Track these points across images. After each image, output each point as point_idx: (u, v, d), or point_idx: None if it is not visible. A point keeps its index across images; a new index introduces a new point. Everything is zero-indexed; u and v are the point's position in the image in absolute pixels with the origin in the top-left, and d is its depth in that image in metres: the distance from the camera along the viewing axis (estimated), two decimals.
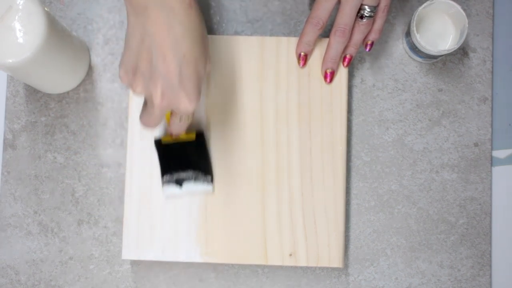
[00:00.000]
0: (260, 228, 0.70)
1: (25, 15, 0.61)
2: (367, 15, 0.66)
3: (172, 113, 0.64)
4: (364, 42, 0.70)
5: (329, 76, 0.71)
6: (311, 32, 0.69)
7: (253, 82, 0.72)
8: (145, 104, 0.60)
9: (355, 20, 0.67)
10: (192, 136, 0.69)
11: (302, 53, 0.70)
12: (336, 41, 0.68)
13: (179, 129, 0.65)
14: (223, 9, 0.77)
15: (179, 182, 0.69)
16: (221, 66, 0.72)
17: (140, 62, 0.56)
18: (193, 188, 0.69)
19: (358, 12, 0.67)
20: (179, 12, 0.54)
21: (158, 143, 0.70)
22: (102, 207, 0.75)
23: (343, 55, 0.70)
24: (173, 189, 0.69)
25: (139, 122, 0.62)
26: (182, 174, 0.69)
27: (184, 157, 0.69)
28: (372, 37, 0.69)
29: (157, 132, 0.71)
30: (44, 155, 0.75)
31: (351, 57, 0.70)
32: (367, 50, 0.70)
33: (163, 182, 0.69)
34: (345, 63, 0.70)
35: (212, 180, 0.70)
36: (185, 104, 0.57)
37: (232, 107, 0.71)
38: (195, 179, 0.69)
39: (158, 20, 0.54)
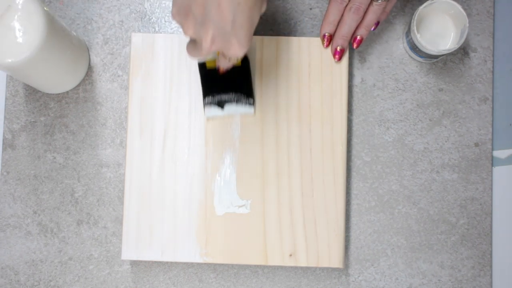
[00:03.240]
0: (260, 228, 0.70)
1: (25, 15, 0.61)
2: None
3: (221, 53, 0.62)
4: None
5: (339, 54, 0.71)
6: (336, 11, 0.69)
7: (252, 82, 0.71)
8: (195, 41, 0.58)
9: (371, 1, 0.68)
10: (238, 63, 0.69)
11: (327, 34, 0.71)
12: (350, 17, 0.69)
13: (227, 66, 0.64)
14: None
15: (221, 104, 0.69)
16: None
17: (194, 4, 0.54)
18: (235, 110, 0.70)
19: None
20: None
21: (202, 66, 0.69)
22: (102, 207, 0.74)
23: (353, 36, 0.70)
24: (215, 110, 0.70)
25: (185, 51, 0.61)
26: (224, 96, 0.69)
27: (227, 80, 0.69)
28: (381, 17, 0.70)
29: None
30: (44, 155, 0.75)
31: (362, 38, 0.70)
32: (373, 29, 0.71)
33: (205, 104, 0.70)
34: (356, 44, 0.71)
35: (254, 103, 0.70)
36: (235, 50, 0.56)
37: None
38: (237, 101, 0.69)
39: None
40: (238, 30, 0.54)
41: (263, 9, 0.57)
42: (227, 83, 0.69)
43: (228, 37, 0.55)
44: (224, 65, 0.64)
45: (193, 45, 0.59)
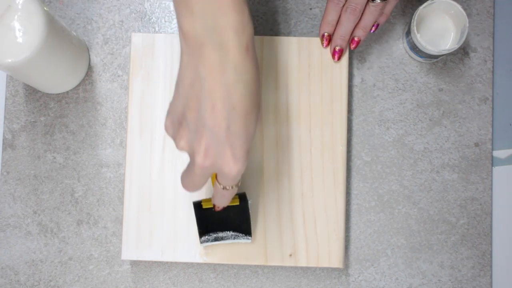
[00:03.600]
0: (260, 228, 0.70)
1: (25, 15, 0.61)
2: None
3: (216, 179, 0.58)
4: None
5: (338, 54, 0.71)
6: (333, 11, 0.69)
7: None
8: (189, 164, 0.55)
9: (367, 1, 0.68)
10: (236, 201, 0.66)
11: (326, 34, 0.71)
12: (347, 18, 0.68)
13: (223, 201, 0.60)
14: None
15: (217, 240, 0.68)
16: None
17: (187, 110, 0.51)
18: (232, 242, 0.69)
19: None
20: (234, 54, 0.49)
21: (198, 206, 0.66)
22: (102, 207, 0.74)
23: (351, 37, 0.70)
24: (210, 243, 0.68)
25: (181, 184, 0.57)
26: (221, 234, 0.68)
27: (225, 220, 0.67)
28: (380, 19, 0.70)
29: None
30: (44, 155, 0.75)
31: (359, 40, 0.70)
32: (372, 31, 0.70)
33: (201, 241, 0.68)
34: (353, 45, 0.71)
35: (251, 237, 0.68)
36: (230, 165, 0.52)
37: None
38: (235, 238, 0.68)
39: (211, 62, 0.49)
40: (233, 139, 0.51)
41: (259, 122, 0.53)
42: (224, 222, 0.67)
43: (222, 149, 0.51)
44: (219, 199, 0.60)
45: (187, 169, 0.55)
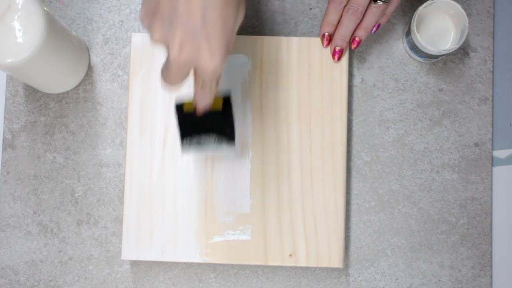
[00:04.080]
0: (260, 228, 0.70)
1: (25, 15, 0.61)
2: (382, 0, 0.67)
3: (194, 77, 0.55)
4: None
5: (338, 54, 0.71)
6: (335, 11, 0.69)
7: (252, 82, 0.71)
8: (166, 58, 0.51)
9: (369, 3, 0.68)
10: (219, 105, 0.60)
11: (326, 33, 0.71)
12: (348, 18, 0.68)
13: (203, 99, 0.56)
14: None
15: (199, 144, 0.63)
16: None
17: (162, 2, 0.48)
18: (214, 149, 0.63)
19: None
20: None
21: (180, 109, 0.61)
22: (102, 207, 0.74)
23: (352, 37, 0.70)
24: (193, 149, 0.63)
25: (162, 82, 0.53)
26: (204, 137, 0.62)
27: (208, 124, 0.61)
28: (381, 20, 0.70)
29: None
30: (44, 155, 0.75)
31: (360, 40, 0.70)
32: (373, 32, 0.70)
33: (183, 145, 0.63)
34: (354, 45, 0.71)
35: (235, 145, 0.63)
36: (206, 59, 0.48)
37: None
38: (218, 142, 0.62)
39: None
40: (209, 30, 0.47)
41: (240, 16, 0.50)
42: (207, 125, 0.62)
43: (198, 41, 0.47)
44: (200, 98, 0.56)
45: (165, 67, 0.52)
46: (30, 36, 0.61)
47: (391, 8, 0.69)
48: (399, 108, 0.75)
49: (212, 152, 0.64)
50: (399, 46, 0.76)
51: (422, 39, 0.71)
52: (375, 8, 0.68)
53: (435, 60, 0.75)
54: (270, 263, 0.70)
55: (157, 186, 0.71)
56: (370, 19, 0.69)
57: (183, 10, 0.47)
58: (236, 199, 0.70)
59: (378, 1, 0.67)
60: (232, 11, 0.48)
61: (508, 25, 0.77)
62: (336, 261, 0.70)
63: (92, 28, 0.77)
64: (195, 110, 0.59)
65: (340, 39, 0.70)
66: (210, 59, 0.48)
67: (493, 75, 0.76)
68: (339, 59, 0.71)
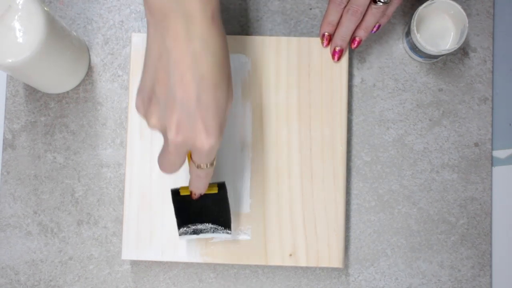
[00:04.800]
0: (260, 228, 0.70)
1: (25, 15, 0.61)
2: (382, 0, 0.67)
3: (189, 162, 0.57)
4: None
5: (337, 54, 0.71)
6: (335, 11, 0.69)
7: (252, 82, 0.72)
8: (163, 144, 0.54)
9: (369, 3, 0.68)
10: (214, 189, 0.64)
11: (326, 33, 0.71)
12: (348, 19, 0.68)
13: (199, 184, 0.59)
14: (223, 8, 0.76)
15: (196, 232, 0.65)
16: None
17: (156, 84, 0.51)
18: (211, 236, 0.66)
19: None
20: (200, 24, 0.49)
21: (176, 194, 0.64)
22: (102, 207, 0.74)
23: (352, 37, 0.70)
24: (189, 236, 0.66)
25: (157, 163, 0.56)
26: (200, 226, 0.65)
27: (204, 210, 0.64)
28: (381, 20, 0.70)
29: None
30: (44, 155, 0.75)
31: (361, 40, 0.70)
32: (373, 32, 0.70)
33: (180, 233, 0.65)
34: (354, 45, 0.71)
35: (230, 231, 0.66)
36: (202, 139, 0.51)
37: (231, 106, 0.71)
38: (214, 231, 0.65)
39: (177, 32, 0.49)
40: (204, 111, 0.50)
41: (230, 100, 0.52)
42: (203, 212, 0.64)
43: (194, 121, 0.50)
44: (195, 183, 0.59)
45: (162, 153, 0.54)
46: (30, 36, 0.61)
47: (392, 8, 0.69)
48: (399, 108, 0.75)
49: (208, 238, 0.67)
50: (399, 46, 0.76)
51: (422, 39, 0.71)
52: (375, 9, 0.68)
53: (435, 60, 0.75)
54: (270, 263, 0.70)
55: (157, 186, 0.71)
56: (370, 20, 0.69)
57: (179, 93, 0.49)
58: (236, 199, 0.70)
59: (378, 2, 0.67)
60: (223, 94, 0.51)
61: (508, 25, 0.77)
62: (336, 261, 0.70)
63: (92, 28, 0.77)
64: (191, 193, 0.62)
65: (340, 39, 0.70)
66: (205, 138, 0.51)
67: (493, 75, 0.76)
68: (339, 59, 0.71)
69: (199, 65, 0.49)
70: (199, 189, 0.60)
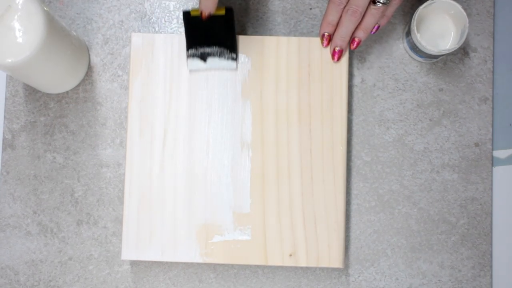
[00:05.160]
0: (260, 228, 0.70)
1: (25, 15, 0.61)
2: (382, 1, 0.67)
3: None
4: None
5: (337, 54, 0.71)
6: (334, 12, 0.69)
7: (252, 82, 0.71)
8: None
9: (369, 4, 0.68)
10: (222, 11, 0.67)
11: (326, 33, 0.71)
12: (348, 19, 0.69)
13: (208, 3, 0.64)
14: None
15: (203, 57, 0.70)
16: None
17: None
18: (217, 64, 0.70)
19: None
20: None
21: (187, 15, 0.68)
22: (102, 207, 0.74)
23: (352, 38, 0.70)
24: (197, 63, 0.70)
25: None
26: (207, 49, 0.70)
27: (211, 31, 0.69)
28: (381, 21, 0.70)
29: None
30: (44, 155, 0.75)
31: (360, 40, 0.70)
32: (372, 33, 0.70)
33: (188, 55, 0.70)
34: (353, 46, 0.71)
35: (236, 58, 0.70)
36: None
37: (231, 106, 0.71)
38: (220, 55, 0.70)
39: None
40: None
41: None
42: (210, 34, 0.69)
43: None
44: (206, 2, 0.63)
45: None
46: (30, 36, 0.61)
47: (391, 9, 0.69)
48: (399, 108, 0.75)
49: (215, 66, 0.70)
50: (399, 46, 0.76)
51: (422, 39, 0.71)
52: (374, 10, 0.68)
53: (435, 60, 0.75)
54: (270, 263, 0.70)
55: (157, 186, 0.71)
56: (369, 20, 0.69)
57: None
58: (236, 199, 0.70)
59: (377, 3, 0.67)
60: None
61: (508, 25, 0.77)
62: (336, 261, 0.70)
63: (92, 28, 0.77)
64: (201, 14, 0.66)
65: (340, 40, 0.70)
66: None
67: (493, 75, 0.76)
68: (338, 59, 0.71)
69: None
70: (208, 7, 0.65)
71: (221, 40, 0.69)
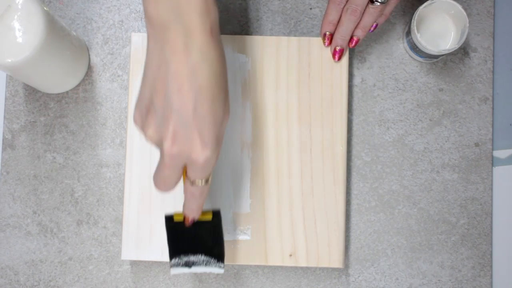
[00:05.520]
0: (260, 228, 0.70)
1: (24, 15, 0.61)
2: (380, 1, 0.67)
3: (185, 176, 0.56)
4: None
5: (338, 54, 0.71)
6: (334, 11, 0.70)
7: (252, 82, 0.71)
8: (159, 160, 0.54)
9: (368, 3, 0.68)
10: (208, 216, 0.62)
11: (327, 33, 0.71)
12: (347, 18, 0.69)
13: (193, 204, 0.58)
14: (223, 8, 0.76)
15: (188, 264, 0.63)
16: None
17: (155, 95, 0.51)
18: (203, 270, 0.63)
19: None
20: (199, 37, 0.50)
21: (169, 220, 0.62)
22: (102, 207, 0.74)
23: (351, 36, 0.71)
24: (181, 269, 0.63)
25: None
26: (192, 257, 0.63)
27: (197, 239, 0.62)
28: (379, 20, 0.70)
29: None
30: (43, 155, 0.75)
31: (359, 39, 0.71)
32: (371, 31, 0.71)
33: (171, 265, 0.63)
34: (352, 44, 0.71)
35: (224, 265, 0.63)
36: (197, 151, 0.51)
37: (231, 106, 0.71)
38: (206, 264, 0.63)
39: (176, 45, 0.50)
40: (201, 121, 0.50)
41: (226, 117, 0.53)
42: (196, 241, 0.62)
43: (190, 132, 0.50)
44: (191, 203, 0.58)
45: (158, 169, 0.54)
46: (29, 36, 0.61)
47: (389, 8, 0.69)
48: (399, 108, 0.75)
49: (200, 271, 0.63)
50: (399, 46, 0.76)
51: (422, 39, 0.71)
52: (373, 9, 0.68)
53: (435, 60, 0.75)
54: (270, 263, 0.70)
55: None
56: (368, 19, 0.69)
57: (176, 102, 0.50)
58: (236, 199, 0.70)
59: (376, 2, 0.67)
60: (220, 106, 0.51)
61: (508, 25, 0.77)
62: (336, 261, 0.70)
63: (92, 28, 0.77)
64: (184, 218, 0.61)
65: (340, 39, 0.70)
66: (201, 150, 0.51)
67: (493, 75, 0.76)
68: (339, 58, 0.71)
69: (197, 76, 0.50)
70: (193, 211, 0.59)
71: (208, 248, 0.62)
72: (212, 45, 0.51)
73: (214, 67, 0.51)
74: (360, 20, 0.69)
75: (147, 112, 0.53)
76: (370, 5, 0.68)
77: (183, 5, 0.50)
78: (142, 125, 0.54)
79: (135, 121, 0.54)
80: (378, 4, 0.67)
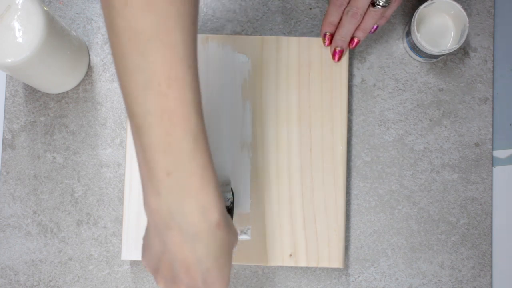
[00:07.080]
0: (260, 228, 0.70)
1: (24, 15, 0.61)
2: (381, 4, 0.67)
3: None
4: None
5: (338, 55, 0.71)
6: (335, 12, 0.70)
7: (252, 82, 0.71)
8: None
9: (368, 6, 0.68)
10: None
11: (328, 33, 0.71)
12: (348, 21, 0.69)
13: None
14: (223, 8, 0.76)
15: None
16: (220, 65, 0.72)
17: (162, 267, 0.52)
18: None
19: None
20: (206, 235, 0.49)
21: None
22: (102, 207, 0.74)
23: (351, 37, 0.71)
24: None
25: None
26: None
27: None
28: (380, 22, 0.70)
29: None
30: (43, 155, 0.75)
31: (359, 40, 0.71)
32: (371, 33, 0.71)
33: None
34: (352, 45, 0.71)
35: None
36: None
37: (231, 106, 0.71)
38: None
39: (179, 241, 0.49)
40: (211, 286, 0.51)
41: (235, 243, 0.53)
42: None
43: None
44: None
45: None
46: (29, 36, 0.61)
47: (390, 11, 0.69)
48: (399, 108, 0.75)
49: None
50: (399, 46, 0.76)
51: (422, 39, 0.71)
52: (374, 12, 0.68)
53: (435, 60, 0.75)
54: (270, 263, 0.70)
55: None
56: (369, 22, 0.69)
57: (185, 277, 0.51)
58: (236, 199, 0.70)
59: (377, 5, 0.67)
60: (227, 270, 0.52)
61: (508, 25, 0.77)
62: (336, 261, 0.70)
63: (92, 28, 0.77)
64: None
65: (341, 40, 0.70)
66: None
67: (493, 75, 0.76)
68: (339, 59, 0.71)
69: (203, 263, 0.50)
70: None
71: None
72: (218, 236, 0.50)
73: (220, 253, 0.51)
74: (361, 22, 0.69)
75: (156, 270, 0.53)
76: (371, 8, 0.68)
77: (186, 206, 0.48)
78: (154, 274, 0.54)
79: (145, 266, 0.55)
80: (379, 7, 0.67)
